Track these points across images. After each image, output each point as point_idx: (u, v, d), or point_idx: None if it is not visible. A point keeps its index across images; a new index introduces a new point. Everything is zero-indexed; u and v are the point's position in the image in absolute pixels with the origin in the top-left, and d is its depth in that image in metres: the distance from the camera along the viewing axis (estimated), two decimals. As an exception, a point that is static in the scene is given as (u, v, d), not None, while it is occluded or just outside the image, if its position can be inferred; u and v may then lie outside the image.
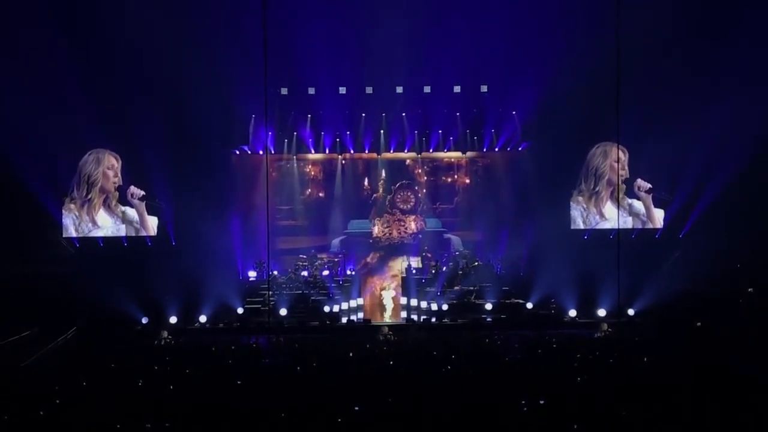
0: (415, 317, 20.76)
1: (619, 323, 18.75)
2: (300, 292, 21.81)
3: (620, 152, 22.21)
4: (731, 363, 13.65)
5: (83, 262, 21.74)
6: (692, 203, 21.77)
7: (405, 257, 24.38)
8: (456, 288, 21.90)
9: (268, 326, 19.05)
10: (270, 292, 20.96)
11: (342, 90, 23.33)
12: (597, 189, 22.84)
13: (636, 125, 19.96)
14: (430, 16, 20.73)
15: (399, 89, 23.42)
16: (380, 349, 15.87)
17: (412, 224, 25.23)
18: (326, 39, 21.08)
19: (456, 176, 25.44)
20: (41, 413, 10.42)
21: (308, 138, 24.41)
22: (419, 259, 24.22)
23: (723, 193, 21.00)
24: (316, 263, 23.67)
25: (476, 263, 23.05)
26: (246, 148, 24.20)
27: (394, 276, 23.83)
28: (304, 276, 22.81)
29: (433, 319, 20.64)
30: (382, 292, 22.05)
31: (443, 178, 25.54)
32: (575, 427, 9.59)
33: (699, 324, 18.34)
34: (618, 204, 22.17)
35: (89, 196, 22.02)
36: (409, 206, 25.31)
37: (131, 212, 22.28)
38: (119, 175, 22.17)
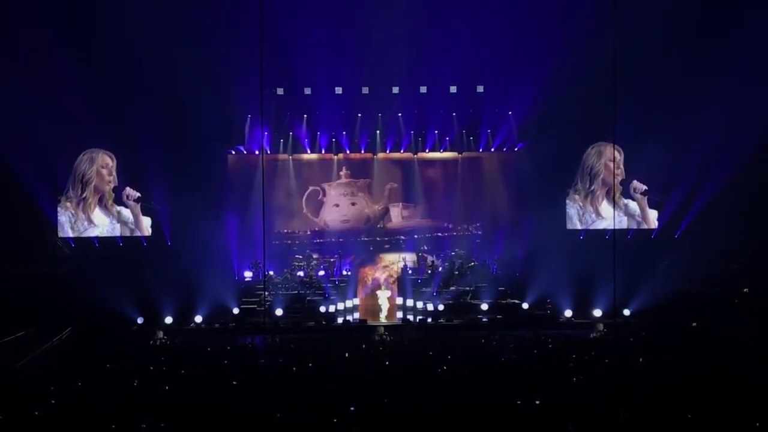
0: (411, 317, 20.75)
1: (615, 323, 18.76)
2: (296, 292, 21.82)
3: (615, 152, 22.27)
4: (727, 363, 13.67)
5: (78, 262, 21.69)
6: (689, 204, 21.79)
7: (401, 256, 24.35)
8: (452, 288, 21.91)
9: (263, 327, 19.03)
10: (266, 293, 20.95)
11: (338, 90, 23.33)
12: (592, 188, 22.89)
13: (633, 125, 19.99)
14: (426, 17, 20.70)
15: (395, 89, 23.43)
16: (376, 349, 15.87)
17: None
18: (322, 39, 21.09)
19: (452, 176, 25.38)
20: (36, 413, 10.40)
21: (304, 138, 24.40)
22: (415, 255, 24.22)
23: (719, 194, 21.03)
24: (312, 263, 23.65)
25: (472, 263, 23.06)
26: (242, 148, 24.18)
27: (385, 267, 23.79)
28: (299, 276, 22.81)
29: (429, 320, 20.64)
30: (378, 293, 22.00)
31: (439, 178, 25.48)
32: (571, 427, 9.60)
33: (694, 324, 18.38)
34: (614, 204, 22.20)
35: (84, 195, 22.00)
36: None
37: (126, 212, 22.27)
38: (114, 174, 22.15)
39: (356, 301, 21.68)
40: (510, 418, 9.94)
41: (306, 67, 21.94)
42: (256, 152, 24.14)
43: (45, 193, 21.57)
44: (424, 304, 21.27)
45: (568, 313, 20.42)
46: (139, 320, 20.06)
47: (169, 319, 20.01)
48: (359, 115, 24.08)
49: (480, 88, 23.52)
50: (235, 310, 20.90)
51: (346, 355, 14.86)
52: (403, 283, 22.03)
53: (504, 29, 20.91)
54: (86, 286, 19.33)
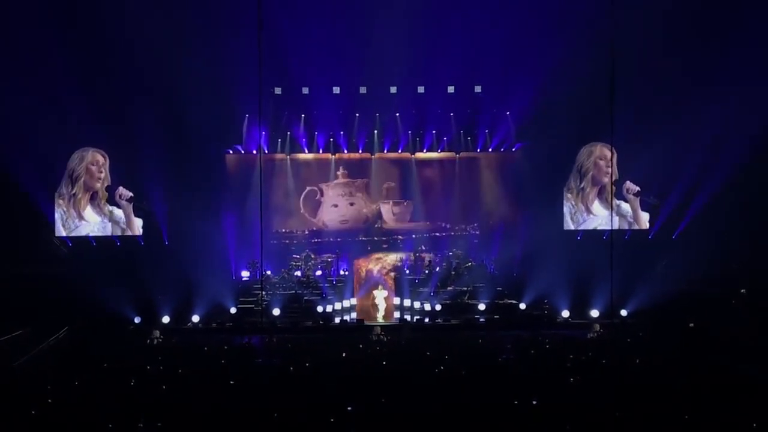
0: (408, 317, 20.74)
1: (612, 324, 18.77)
2: (293, 292, 21.82)
3: (607, 151, 22.34)
4: (725, 363, 13.69)
5: (76, 261, 21.67)
6: (686, 204, 21.80)
7: (398, 255, 24.34)
8: (449, 288, 21.91)
9: (261, 326, 19.02)
10: (263, 292, 20.95)
11: (336, 90, 23.34)
12: (582, 186, 22.90)
13: (631, 126, 19.97)
14: (424, 17, 20.72)
15: (393, 89, 23.44)
16: (373, 349, 15.87)
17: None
18: (320, 39, 21.12)
19: (449, 176, 25.36)
20: (33, 413, 10.39)
21: (302, 138, 24.37)
22: (412, 255, 24.21)
23: (717, 194, 21.05)
24: (309, 263, 23.63)
25: (469, 263, 23.06)
26: (240, 147, 24.16)
27: (378, 258, 23.78)
28: (297, 276, 22.80)
29: (427, 320, 20.64)
30: (375, 292, 21.99)
31: (437, 178, 25.47)
32: (568, 427, 9.60)
33: (692, 325, 18.40)
34: (611, 204, 22.20)
35: (74, 191, 21.96)
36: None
37: (118, 212, 22.24)
38: (106, 173, 22.09)
39: (353, 301, 21.67)
40: (507, 419, 9.93)
41: (304, 66, 21.94)
42: (254, 152, 24.12)
43: (43, 193, 21.57)
44: (422, 304, 21.28)
45: (566, 313, 20.44)
46: (137, 320, 20.06)
47: (166, 319, 20.00)
48: (357, 114, 24.05)
49: (478, 88, 23.55)
50: (233, 310, 20.90)
51: (344, 355, 14.85)
52: (401, 283, 22.00)
53: (502, 29, 20.91)
54: (83, 286, 19.34)
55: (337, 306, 21.37)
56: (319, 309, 21.19)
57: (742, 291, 20.56)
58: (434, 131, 24.45)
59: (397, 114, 24.13)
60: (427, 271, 22.90)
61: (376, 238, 24.87)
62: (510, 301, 21.41)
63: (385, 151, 24.79)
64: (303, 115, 24.05)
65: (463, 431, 9.69)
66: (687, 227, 21.91)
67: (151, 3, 19.42)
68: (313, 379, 12.55)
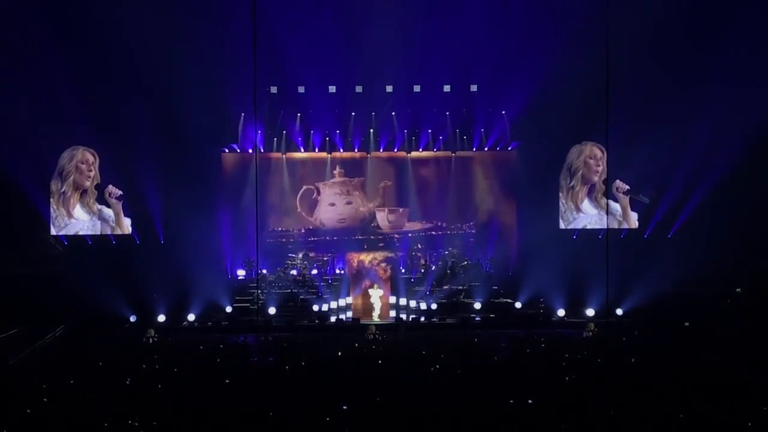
0: (403, 316, 20.75)
1: (608, 323, 18.80)
2: (289, 290, 21.83)
3: (597, 150, 22.39)
4: (719, 362, 13.73)
5: (71, 260, 21.64)
6: (681, 204, 21.84)
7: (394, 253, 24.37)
8: (445, 287, 21.93)
9: (256, 325, 19.01)
10: (259, 291, 20.94)
11: (332, 89, 23.34)
12: (572, 184, 22.92)
13: (627, 126, 20.03)
14: (420, 16, 20.74)
15: (389, 88, 23.42)
16: (369, 348, 15.87)
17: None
18: (316, 37, 21.08)
19: (445, 175, 25.36)
20: (28, 411, 10.38)
21: (297, 136, 24.36)
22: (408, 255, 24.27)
23: (713, 194, 21.10)
24: (305, 262, 23.64)
25: (465, 262, 23.08)
26: (235, 146, 24.15)
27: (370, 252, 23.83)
28: (293, 275, 22.81)
29: (422, 319, 20.65)
30: (371, 291, 22.01)
31: (432, 177, 25.47)
32: (563, 426, 9.62)
33: (687, 324, 18.45)
34: (607, 203, 22.24)
35: (63, 189, 21.92)
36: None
37: (107, 211, 22.18)
38: (95, 171, 22.03)
39: (349, 299, 21.68)
40: (502, 417, 9.94)
41: (299, 65, 21.91)
42: (250, 151, 24.10)
43: (39, 192, 21.51)
44: (417, 303, 21.29)
45: (561, 312, 20.47)
46: (132, 318, 20.05)
47: (161, 318, 19.99)
48: (353, 113, 24.05)
49: (473, 88, 23.52)
50: (228, 309, 20.90)
51: (339, 354, 14.86)
52: (396, 282, 22.01)
53: (497, 29, 20.93)
54: (79, 285, 19.32)
55: (333, 305, 21.36)
56: (315, 308, 21.19)
57: (737, 290, 20.61)
58: (430, 130, 24.45)
59: (393, 113, 24.12)
60: (422, 270, 22.91)
61: (372, 237, 24.89)
62: (505, 300, 21.43)
63: (381, 150, 24.79)
64: (299, 114, 24.05)
65: (458, 430, 9.70)
66: (681, 227, 21.95)
67: (145, 0, 19.40)
68: (308, 378, 12.55)
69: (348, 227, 25.08)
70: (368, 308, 21.32)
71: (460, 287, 21.88)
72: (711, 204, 21.14)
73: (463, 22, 21.13)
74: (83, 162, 21.92)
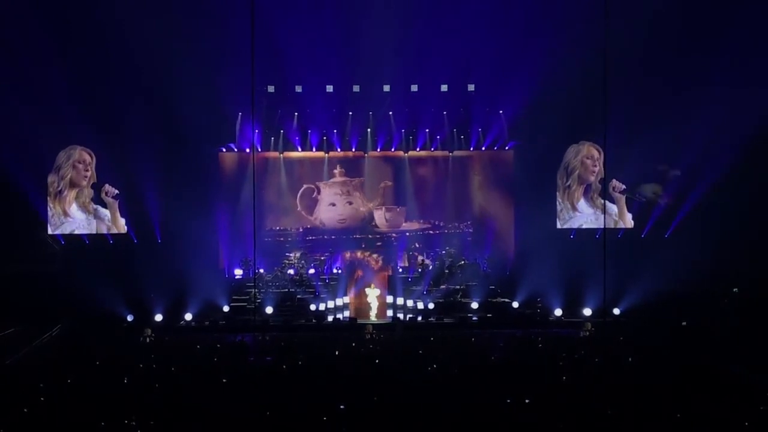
0: (401, 316, 20.74)
1: (605, 322, 18.81)
2: (286, 290, 21.82)
3: (594, 150, 22.41)
4: (717, 362, 13.73)
5: (69, 259, 21.63)
6: (678, 204, 21.87)
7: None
8: (442, 287, 21.92)
9: (254, 324, 19.00)
10: (256, 290, 20.93)
11: (329, 88, 23.33)
12: (569, 184, 22.96)
13: (620, 126, 20.01)
14: (417, 15, 20.73)
15: (386, 88, 23.41)
16: (366, 347, 15.87)
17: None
18: (313, 37, 21.07)
19: (443, 175, 25.35)
20: (25, 410, 10.36)
21: (295, 136, 24.33)
22: (405, 256, 24.25)
23: (710, 194, 21.13)
24: (303, 261, 23.62)
25: (463, 262, 23.08)
26: (233, 145, 24.13)
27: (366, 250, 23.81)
28: (290, 274, 22.79)
29: (419, 318, 20.64)
30: (368, 290, 22.01)
31: (430, 176, 25.45)
32: (560, 426, 9.62)
33: (684, 323, 18.45)
34: (604, 202, 22.28)
35: (60, 188, 21.91)
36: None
37: (103, 210, 22.16)
38: (92, 171, 22.01)
39: (346, 299, 21.67)
40: (500, 417, 9.94)
41: (297, 64, 21.90)
42: (247, 150, 24.08)
43: (36, 191, 21.50)
44: (414, 302, 21.28)
45: (558, 312, 20.47)
46: (129, 318, 20.02)
47: (159, 317, 19.97)
48: (350, 113, 24.03)
49: (471, 87, 23.51)
50: (225, 308, 20.88)
51: (336, 353, 14.85)
52: (393, 282, 22.00)
53: (495, 28, 20.93)
54: (76, 284, 19.30)
55: (330, 304, 21.35)
56: (312, 307, 21.17)
57: (734, 290, 20.63)
58: (427, 130, 24.42)
59: (391, 112, 24.09)
60: (420, 270, 22.91)
61: (370, 236, 24.88)
62: (503, 300, 21.43)
63: (379, 150, 24.76)
64: (296, 114, 24.01)
65: (456, 430, 9.69)
66: (678, 226, 21.97)
67: (145, 1, 19.38)
68: (305, 377, 12.54)
69: (348, 227, 25.06)
70: (365, 308, 21.33)
71: (458, 287, 21.86)
72: (708, 204, 21.17)
73: (461, 22, 21.13)
74: (80, 162, 21.90)
